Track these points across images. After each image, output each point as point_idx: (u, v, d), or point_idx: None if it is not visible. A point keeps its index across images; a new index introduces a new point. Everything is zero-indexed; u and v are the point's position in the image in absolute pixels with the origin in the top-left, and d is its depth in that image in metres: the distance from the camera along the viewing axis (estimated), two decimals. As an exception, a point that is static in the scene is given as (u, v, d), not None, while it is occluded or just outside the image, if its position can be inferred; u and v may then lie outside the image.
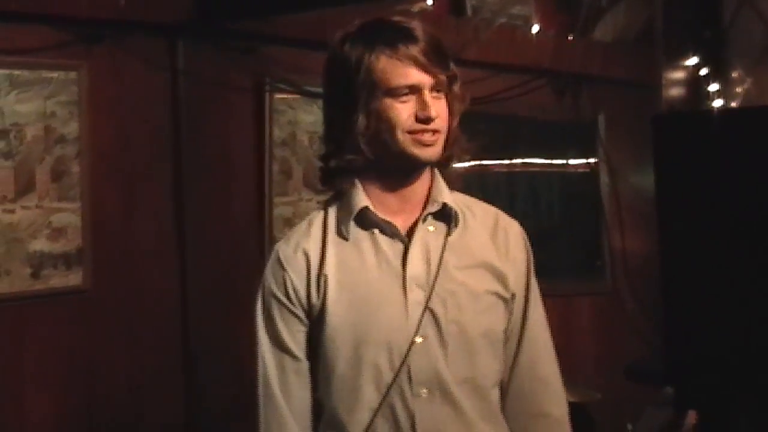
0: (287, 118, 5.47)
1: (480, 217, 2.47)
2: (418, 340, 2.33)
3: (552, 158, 6.89)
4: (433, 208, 2.40)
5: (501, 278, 2.42)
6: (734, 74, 5.90)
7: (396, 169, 2.38)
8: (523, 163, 6.58)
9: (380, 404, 2.33)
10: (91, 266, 4.66)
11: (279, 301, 2.42)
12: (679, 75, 6.02)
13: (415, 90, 2.32)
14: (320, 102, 5.58)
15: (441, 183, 2.43)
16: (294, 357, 2.42)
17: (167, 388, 4.96)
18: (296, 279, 2.39)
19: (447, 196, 2.42)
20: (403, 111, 2.32)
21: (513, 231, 2.49)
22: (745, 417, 3.93)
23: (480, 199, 2.57)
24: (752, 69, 5.79)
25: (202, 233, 5.10)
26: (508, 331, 2.45)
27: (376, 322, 2.33)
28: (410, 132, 2.32)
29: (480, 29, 5.39)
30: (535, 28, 6.22)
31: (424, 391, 2.33)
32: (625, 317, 5.42)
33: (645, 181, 4.59)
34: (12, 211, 4.41)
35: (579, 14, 6.42)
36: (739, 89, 5.85)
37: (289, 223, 5.48)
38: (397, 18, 2.41)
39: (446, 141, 2.39)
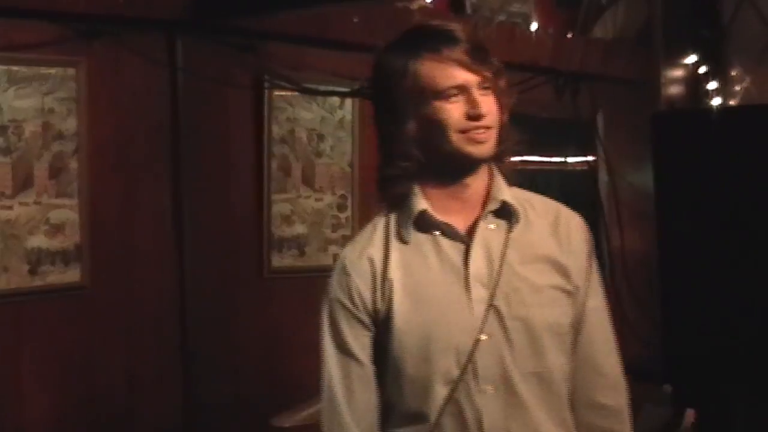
0: (286, 115, 5.46)
1: (541, 211, 2.51)
2: (483, 337, 2.37)
3: (551, 156, 6.89)
4: (493, 206, 2.44)
5: (563, 271, 2.45)
6: (733, 72, 5.90)
7: (451, 170, 2.42)
8: (521, 160, 6.58)
9: (447, 402, 2.37)
10: (89, 263, 4.65)
11: (344, 306, 2.47)
12: (678, 73, 6.02)
13: (463, 90, 2.36)
14: (319, 99, 5.63)
15: (500, 180, 2.48)
16: (358, 361, 2.46)
17: (165, 386, 4.95)
18: (361, 285, 2.44)
19: (506, 193, 2.46)
20: (454, 111, 2.36)
21: (574, 223, 2.53)
22: (743, 414, 3.93)
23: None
24: (751, 67, 5.80)
25: (201, 230, 5.10)
26: (572, 323, 2.48)
27: (441, 322, 2.37)
28: (462, 131, 2.36)
29: (479, 27, 5.38)
30: (535, 26, 6.22)
31: (490, 387, 2.37)
32: (623, 315, 5.41)
33: (644, 179, 4.59)
34: (10, 208, 4.40)
35: (578, 12, 6.42)
36: (738, 87, 5.85)
37: (288, 220, 5.48)
38: (436, 22, 2.46)
39: (498, 136, 2.44)
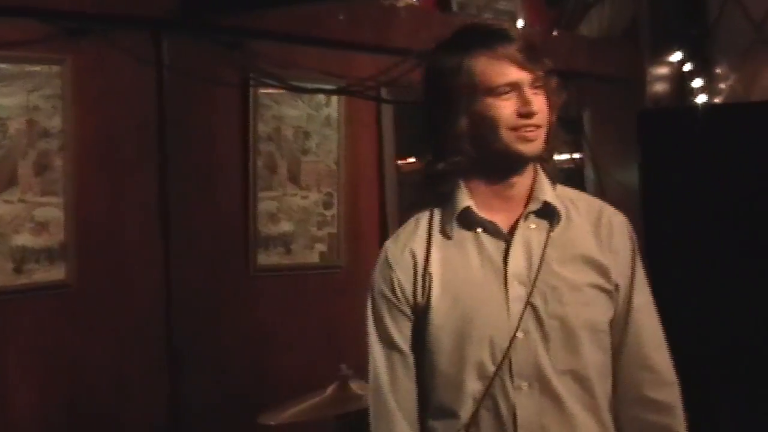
0: (272, 112, 5.46)
1: (584, 211, 2.54)
2: (519, 335, 2.42)
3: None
4: (535, 206, 2.48)
5: (603, 271, 2.48)
6: (718, 70, 5.92)
7: (499, 168, 2.47)
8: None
9: (483, 396, 2.41)
10: (74, 261, 4.64)
11: (387, 299, 2.51)
12: (664, 71, 6.04)
13: (515, 87, 2.41)
14: (305, 96, 5.63)
15: (543, 180, 2.51)
16: (402, 352, 2.51)
17: (151, 384, 4.94)
18: (403, 278, 2.49)
19: (549, 193, 2.49)
20: (506, 108, 2.40)
21: (617, 223, 2.55)
22: (729, 414, 3.94)
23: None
24: (736, 65, 5.81)
25: (187, 228, 5.09)
26: (615, 320, 2.51)
27: (478, 318, 2.42)
28: (513, 129, 2.40)
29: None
30: (521, 24, 6.23)
31: (525, 384, 2.42)
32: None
33: (630, 177, 4.60)
34: (-5, 205, 4.40)
35: (565, 10, 6.43)
36: (723, 85, 5.87)
37: (274, 218, 5.47)
38: (489, 21, 2.53)
39: (546, 135, 2.47)
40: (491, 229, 2.47)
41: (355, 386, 4.06)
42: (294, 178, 5.55)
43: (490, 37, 2.43)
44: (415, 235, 2.53)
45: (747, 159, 4.04)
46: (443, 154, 2.48)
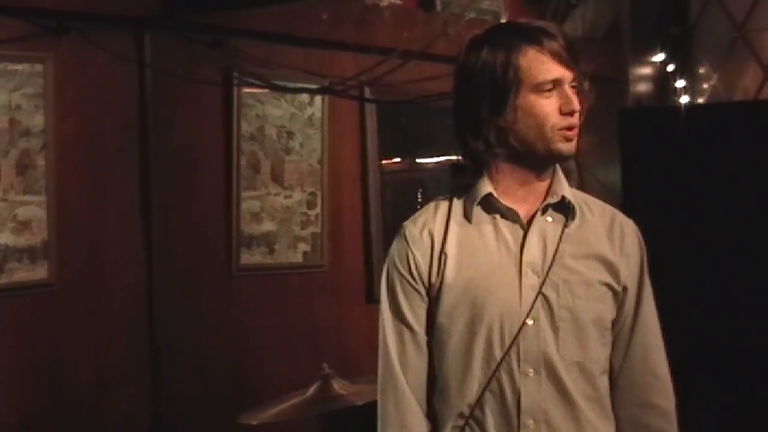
0: (255, 111, 5.45)
1: (597, 213, 2.58)
2: (529, 322, 2.44)
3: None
4: (553, 199, 2.51)
5: (613, 271, 2.51)
6: (701, 70, 5.93)
7: (532, 163, 2.49)
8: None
9: (489, 380, 2.45)
10: (56, 260, 4.63)
11: (402, 276, 2.53)
12: (646, 71, 6.05)
13: (557, 84, 2.43)
14: (288, 96, 5.62)
15: (561, 177, 2.54)
16: (413, 330, 2.53)
17: (133, 382, 4.94)
18: (420, 257, 2.52)
19: (567, 190, 2.53)
20: (548, 106, 2.43)
21: (628, 228, 2.59)
22: (714, 410, 3.95)
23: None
24: (718, 65, 5.83)
25: (169, 228, 5.08)
26: (620, 322, 2.55)
27: (490, 301, 2.45)
28: (557, 127, 2.43)
29: (449, 24, 5.39)
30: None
31: (531, 370, 2.44)
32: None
33: (612, 176, 4.61)
34: (-24, 205, 4.39)
35: (547, 10, 6.44)
36: (705, 85, 5.88)
37: (257, 217, 5.47)
38: (526, 20, 2.54)
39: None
40: (510, 217, 2.50)
41: (336, 385, 4.06)
42: (277, 178, 5.55)
43: (536, 33, 2.45)
44: (435, 216, 2.55)
45: (728, 159, 4.06)
46: (489, 147, 2.48)
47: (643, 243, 2.59)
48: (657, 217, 3.95)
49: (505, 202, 2.50)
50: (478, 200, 2.50)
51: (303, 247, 5.67)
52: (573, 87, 2.45)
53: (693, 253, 4.06)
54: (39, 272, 4.60)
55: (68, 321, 4.72)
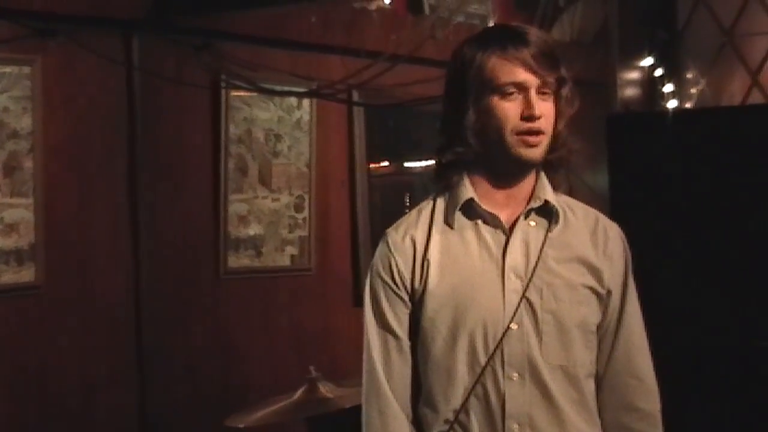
0: (243, 114, 5.45)
1: (581, 217, 2.58)
2: (513, 326, 2.45)
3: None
4: (536, 204, 2.51)
5: (596, 274, 2.52)
6: (688, 75, 5.94)
7: (503, 166, 2.50)
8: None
9: (474, 384, 2.46)
10: (43, 262, 4.62)
11: (385, 283, 2.54)
12: (634, 75, 6.05)
13: (521, 89, 2.44)
14: (276, 99, 5.62)
15: (544, 181, 2.54)
16: (397, 336, 2.54)
17: (120, 385, 4.93)
18: (402, 264, 2.53)
19: (550, 194, 2.53)
20: (510, 109, 2.44)
21: (612, 232, 2.59)
22: (700, 413, 3.96)
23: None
24: (706, 70, 5.83)
25: (157, 230, 5.08)
26: (604, 325, 2.56)
27: (473, 306, 2.46)
28: (516, 132, 2.43)
29: (437, 28, 5.39)
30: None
31: (515, 374, 2.45)
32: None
33: (599, 180, 4.61)
34: (-37, 207, 4.38)
35: (536, 14, 6.45)
36: (693, 90, 5.89)
37: (244, 220, 5.47)
38: (514, 24, 2.57)
39: (554, 143, 2.49)
40: (492, 222, 2.50)
41: (324, 389, 4.06)
42: (265, 181, 5.55)
43: (505, 38, 2.47)
44: (417, 222, 2.56)
45: (715, 164, 4.06)
46: (450, 144, 2.51)
47: (627, 246, 2.60)
48: (645, 222, 3.96)
49: (487, 206, 2.50)
50: (459, 206, 2.51)
51: (290, 250, 5.67)
52: (544, 93, 2.45)
53: (680, 257, 4.06)
54: (26, 275, 4.59)
55: (55, 324, 4.71)
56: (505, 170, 2.50)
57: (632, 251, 2.59)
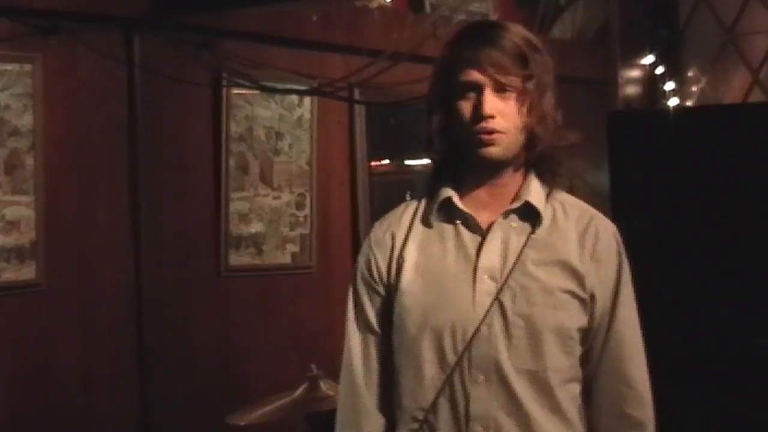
0: (244, 113, 5.46)
1: (573, 218, 2.53)
2: (483, 328, 2.43)
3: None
4: (516, 204, 2.49)
5: (577, 278, 2.47)
6: (689, 73, 5.95)
7: (478, 165, 2.48)
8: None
9: (443, 385, 2.45)
10: (44, 260, 4.62)
11: (365, 278, 2.56)
12: (635, 73, 6.06)
13: (476, 88, 2.43)
14: (277, 97, 5.62)
15: (532, 182, 2.51)
16: (373, 331, 2.55)
17: (121, 382, 4.93)
18: (380, 259, 2.53)
19: (534, 195, 2.49)
20: (465, 109, 2.44)
21: (605, 234, 2.53)
22: (698, 414, 3.96)
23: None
24: (707, 68, 5.84)
25: (158, 228, 5.08)
26: (593, 330, 2.50)
27: (444, 306, 2.45)
28: (475, 132, 2.43)
29: (438, 26, 5.39)
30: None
31: (482, 377, 2.43)
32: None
33: (600, 179, 4.61)
34: (-36, 204, 4.38)
35: (537, 12, 6.45)
36: (694, 88, 5.90)
37: (246, 218, 5.47)
38: (487, 21, 2.58)
39: (529, 141, 2.47)
40: (468, 223, 2.48)
41: (324, 386, 4.07)
42: (266, 179, 5.55)
43: (467, 37, 2.47)
44: (400, 219, 2.56)
45: (717, 162, 4.06)
46: (427, 145, 2.53)
47: (622, 249, 2.53)
48: (645, 220, 3.96)
49: (466, 206, 2.48)
50: (437, 205, 2.50)
51: (291, 248, 5.67)
52: (504, 91, 2.42)
53: (681, 256, 4.06)
54: (27, 272, 4.59)
55: (56, 321, 4.71)
56: (481, 169, 2.48)
57: (632, 249, 2.55)
